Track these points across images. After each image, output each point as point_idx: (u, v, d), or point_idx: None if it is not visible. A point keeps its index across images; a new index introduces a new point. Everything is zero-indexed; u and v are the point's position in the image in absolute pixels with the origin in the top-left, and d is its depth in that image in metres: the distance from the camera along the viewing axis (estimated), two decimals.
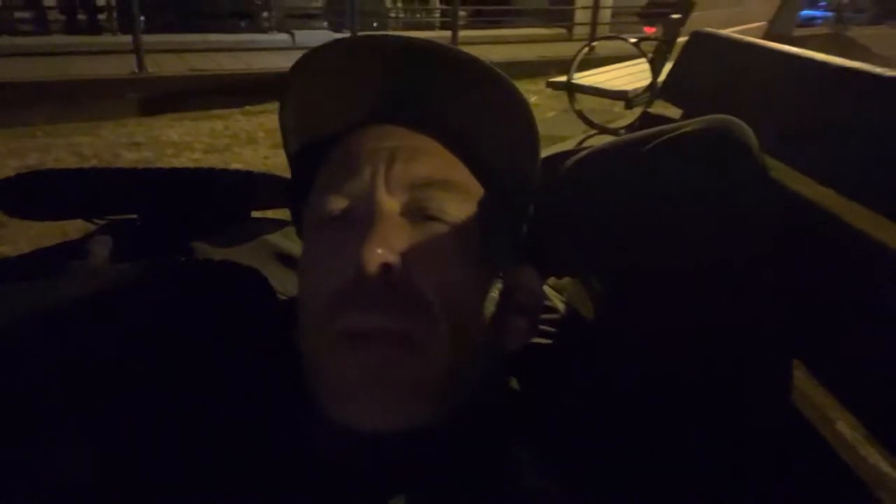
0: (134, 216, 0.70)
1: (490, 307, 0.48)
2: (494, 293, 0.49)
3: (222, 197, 0.74)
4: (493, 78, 0.48)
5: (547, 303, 0.66)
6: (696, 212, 0.51)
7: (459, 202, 0.47)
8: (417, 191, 0.46)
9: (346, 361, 0.43)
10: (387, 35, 0.49)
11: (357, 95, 0.50)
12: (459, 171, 0.49)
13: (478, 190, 0.49)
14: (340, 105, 0.51)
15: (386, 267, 0.42)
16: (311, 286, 0.47)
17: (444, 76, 0.48)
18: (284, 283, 0.63)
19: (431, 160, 0.48)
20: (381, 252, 0.42)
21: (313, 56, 0.49)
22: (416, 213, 0.46)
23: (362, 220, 0.44)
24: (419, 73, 0.48)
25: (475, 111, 0.49)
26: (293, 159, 0.54)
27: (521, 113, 0.49)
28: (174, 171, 0.69)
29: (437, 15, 9.14)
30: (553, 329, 0.64)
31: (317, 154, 0.51)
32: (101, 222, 0.70)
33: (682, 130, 0.52)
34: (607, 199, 0.56)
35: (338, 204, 0.47)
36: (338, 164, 0.49)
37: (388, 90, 0.50)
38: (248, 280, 0.58)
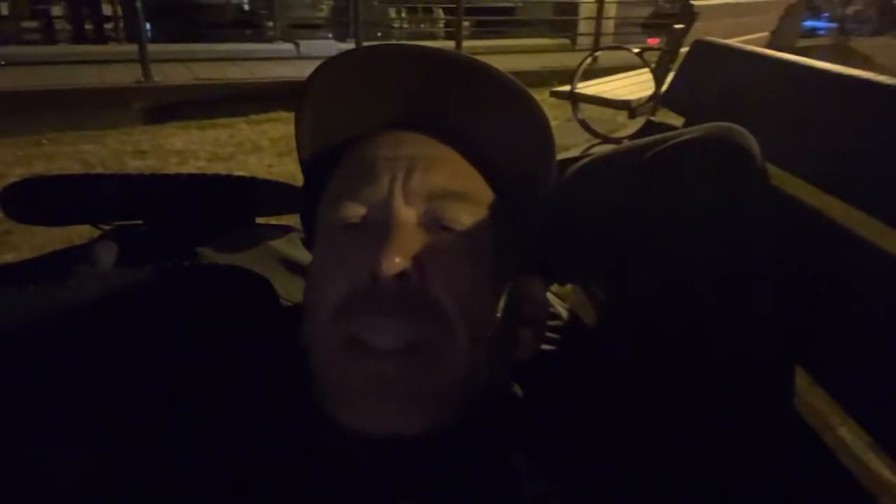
0: (139, 222, 0.71)
1: (499, 317, 0.48)
2: (503, 303, 0.49)
3: (227, 203, 0.74)
4: (510, 88, 0.48)
5: (550, 310, 0.66)
6: (698, 219, 0.51)
7: (474, 212, 0.48)
8: (434, 201, 0.47)
9: (355, 367, 0.43)
10: (404, 44, 0.50)
11: (374, 102, 0.51)
12: (474, 181, 0.49)
13: (491, 199, 0.50)
14: (357, 111, 0.51)
15: (402, 275, 0.42)
16: (322, 290, 0.47)
17: (460, 85, 0.49)
18: (288, 289, 0.64)
19: (448, 170, 0.48)
20: (399, 261, 0.42)
21: (331, 64, 0.50)
22: (432, 223, 0.46)
23: (379, 228, 0.45)
24: (435, 81, 0.49)
25: (492, 120, 0.49)
26: (306, 165, 0.55)
27: (538, 124, 0.50)
28: (179, 177, 0.70)
29: (441, 25, 9.16)
30: (556, 336, 0.64)
31: (331, 160, 0.52)
32: (107, 228, 0.70)
33: (684, 138, 0.53)
34: (609, 207, 0.56)
35: (354, 211, 0.47)
36: (354, 170, 0.49)
37: (404, 98, 0.50)
38: (253, 285, 0.59)
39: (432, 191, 0.47)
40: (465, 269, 0.46)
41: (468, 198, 0.48)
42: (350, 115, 0.51)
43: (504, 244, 0.49)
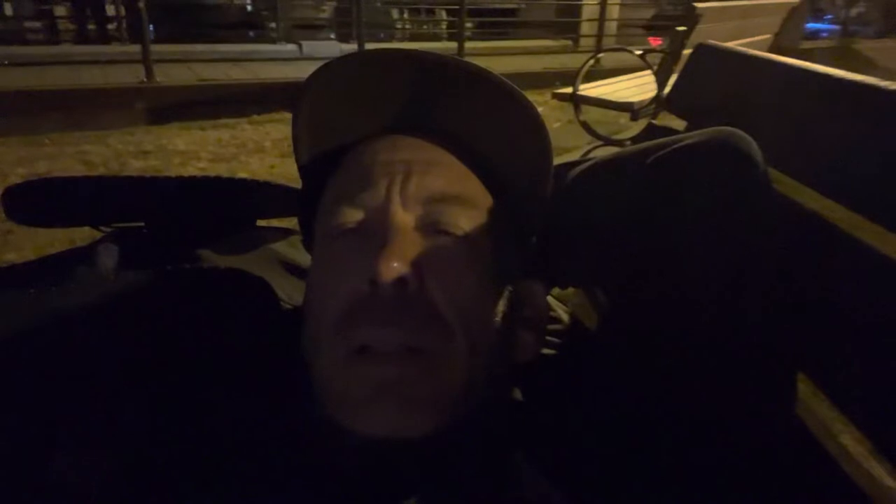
0: (140, 224, 0.71)
1: (499, 321, 0.48)
2: (503, 306, 0.49)
3: (228, 205, 0.74)
4: (506, 91, 0.48)
5: (551, 313, 0.66)
6: (700, 223, 0.51)
7: (472, 216, 0.48)
8: (432, 205, 0.47)
9: (359, 376, 0.43)
10: (400, 49, 0.50)
11: (370, 107, 0.51)
12: (472, 185, 0.49)
13: (489, 203, 0.50)
14: (354, 116, 0.51)
15: (401, 281, 0.42)
16: (322, 298, 0.47)
17: (456, 89, 0.49)
18: (289, 292, 0.64)
19: (445, 174, 0.48)
20: (397, 266, 0.42)
21: (328, 68, 0.50)
22: (430, 227, 0.46)
23: (377, 233, 0.45)
24: (432, 85, 0.49)
25: (488, 124, 0.49)
26: (304, 169, 0.55)
27: (535, 127, 0.49)
28: (180, 180, 0.70)
29: (444, 26, 9.17)
30: (557, 340, 0.64)
31: (328, 164, 0.52)
32: (108, 230, 0.70)
33: (686, 142, 0.53)
34: (611, 211, 0.56)
35: (352, 216, 0.47)
36: (351, 174, 0.49)
37: (401, 102, 0.50)
38: (253, 288, 0.59)
39: (430, 195, 0.47)
40: (463, 272, 0.46)
41: (466, 201, 0.48)
42: (347, 119, 0.51)
43: (503, 247, 0.49)
